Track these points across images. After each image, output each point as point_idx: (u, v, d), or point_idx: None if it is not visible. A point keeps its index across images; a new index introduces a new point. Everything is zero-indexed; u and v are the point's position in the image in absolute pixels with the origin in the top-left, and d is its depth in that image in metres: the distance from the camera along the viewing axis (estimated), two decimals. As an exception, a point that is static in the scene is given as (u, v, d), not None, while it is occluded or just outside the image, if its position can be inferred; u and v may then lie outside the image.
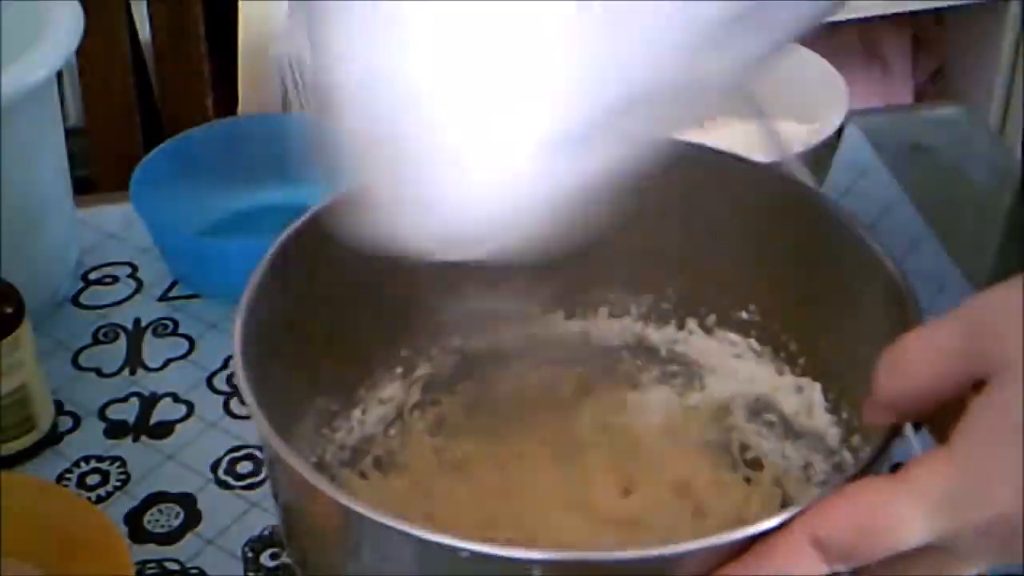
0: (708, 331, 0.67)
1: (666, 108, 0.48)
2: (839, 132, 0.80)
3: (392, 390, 0.66)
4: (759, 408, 0.66)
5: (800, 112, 0.83)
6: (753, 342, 0.66)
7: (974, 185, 0.94)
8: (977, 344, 0.44)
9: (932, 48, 1.89)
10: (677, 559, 0.45)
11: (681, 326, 0.68)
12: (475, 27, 0.46)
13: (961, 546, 0.44)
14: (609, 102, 0.47)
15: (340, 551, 0.52)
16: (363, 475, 0.65)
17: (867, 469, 0.48)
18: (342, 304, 0.63)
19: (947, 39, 1.89)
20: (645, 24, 0.46)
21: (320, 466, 0.63)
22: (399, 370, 0.67)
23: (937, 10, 1.80)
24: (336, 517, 0.50)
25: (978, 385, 0.44)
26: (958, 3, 1.73)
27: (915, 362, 0.46)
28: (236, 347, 0.54)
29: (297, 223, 0.60)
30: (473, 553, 0.45)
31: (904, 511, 0.43)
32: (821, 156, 0.79)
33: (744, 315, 0.66)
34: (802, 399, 0.64)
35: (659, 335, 0.68)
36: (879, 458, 0.48)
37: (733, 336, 0.66)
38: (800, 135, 0.82)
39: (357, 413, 0.65)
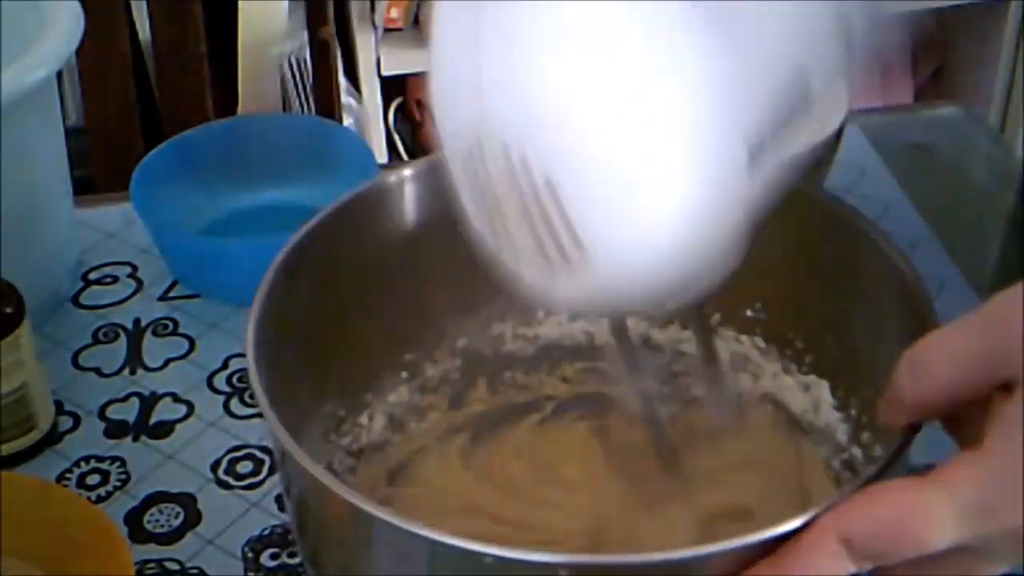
0: (715, 329, 0.67)
1: (804, 119, 0.48)
2: (839, 132, 0.80)
3: (398, 394, 0.66)
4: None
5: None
6: (759, 340, 0.66)
7: (974, 185, 0.94)
8: (999, 346, 0.44)
9: (932, 48, 1.89)
10: (703, 561, 0.45)
11: (686, 326, 0.68)
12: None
13: (990, 548, 0.44)
14: (763, 116, 0.47)
15: (355, 553, 0.52)
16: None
17: (887, 468, 0.48)
18: (349, 308, 0.63)
19: (947, 39, 1.89)
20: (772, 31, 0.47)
21: (328, 470, 0.62)
22: (404, 374, 0.67)
23: (937, 10, 1.80)
24: (354, 522, 0.50)
25: (1003, 385, 0.44)
26: (958, 3, 1.73)
27: (937, 364, 0.46)
28: (249, 352, 0.53)
29: (305, 227, 0.59)
30: (497, 558, 0.45)
31: (936, 513, 0.43)
32: (821, 156, 0.79)
33: (750, 313, 0.66)
34: (809, 397, 0.64)
35: (664, 335, 0.68)
36: (899, 457, 0.48)
37: (739, 335, 0.66)
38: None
39: (364, 418, 0.65)
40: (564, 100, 0.45)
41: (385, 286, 0.64)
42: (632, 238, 0.47)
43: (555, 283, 0.49)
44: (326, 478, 0.48)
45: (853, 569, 0.44)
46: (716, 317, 0.66)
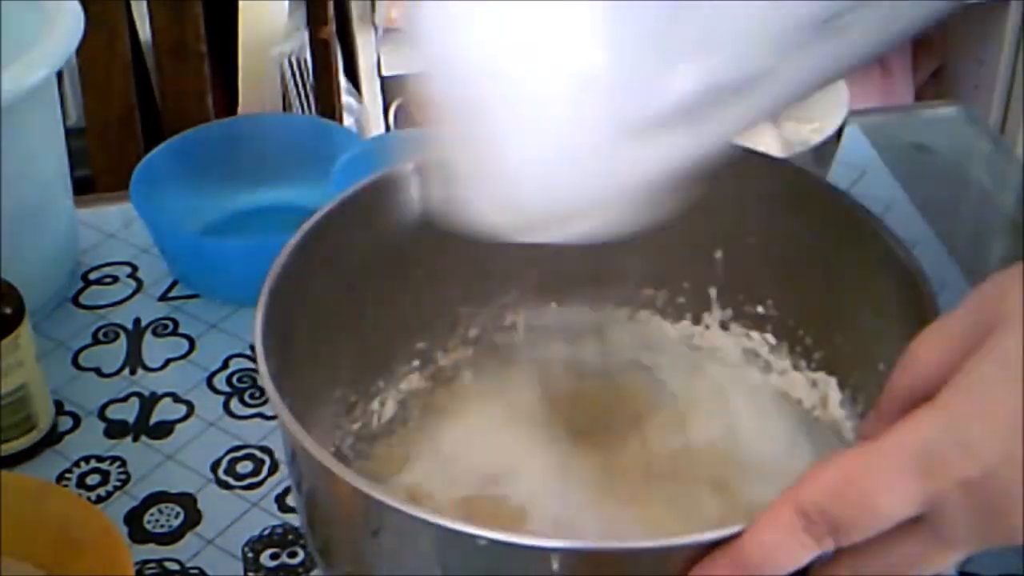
0: (724, 326, 0.67)
1: (748, 104, 0.48)
2: (839, 132, 0.80)
3: (409, 382, 0.67)
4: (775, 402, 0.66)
5: (801, 112, 0.83)
6: (769, 336, 0.66)
7: (974, 185, 0.94)
8: (981, 316, 0.43)
9: (932, 48, 1.89)
10: (693, 548, 0.45)
11: (697, 321, 0.68)
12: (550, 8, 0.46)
13: (946, 516, 0.42)
14: (691, 90, 0.46)
15: (363, 539, 0.52)
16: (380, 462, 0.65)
17: None
18: (361, 296, 0.63)
19: (947, 39, 1.89)
20: (735, 14, 0.46)
21: (337, 455, 0.63)
22: (416, 362, 0.67)
23: (937, 10, 1.80)
24: (361, 507, 0.50)
25: None
26: (958, 3, 1.73)
27: (924, 352, 0.45)
28: (257, 337, 0.54)
29: (317, 215, 0.60)
30: (492, 541, 0.46)
31: (885, 470, 0.41)
32: (821, 156, 0.79)
33: (760, 310, 0.66)
34: (818, 393, 0.64)
35: (676, 330, 0.68)
36: None
37: (749, 331, 0.66)
38: (801, 135, 0.82)
39: (375, 404, 0.66)
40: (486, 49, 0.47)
41: (397, 273, 0.64)
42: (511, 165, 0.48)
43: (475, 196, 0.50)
44: (336, 467, 0.49)
45: (813, 548, 0.43)
46: (728, 313, 0.67)
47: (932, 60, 1.90)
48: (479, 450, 0.66)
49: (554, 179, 0.48)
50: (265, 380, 0.52)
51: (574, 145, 0.47)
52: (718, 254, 0.66)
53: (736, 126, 0.49)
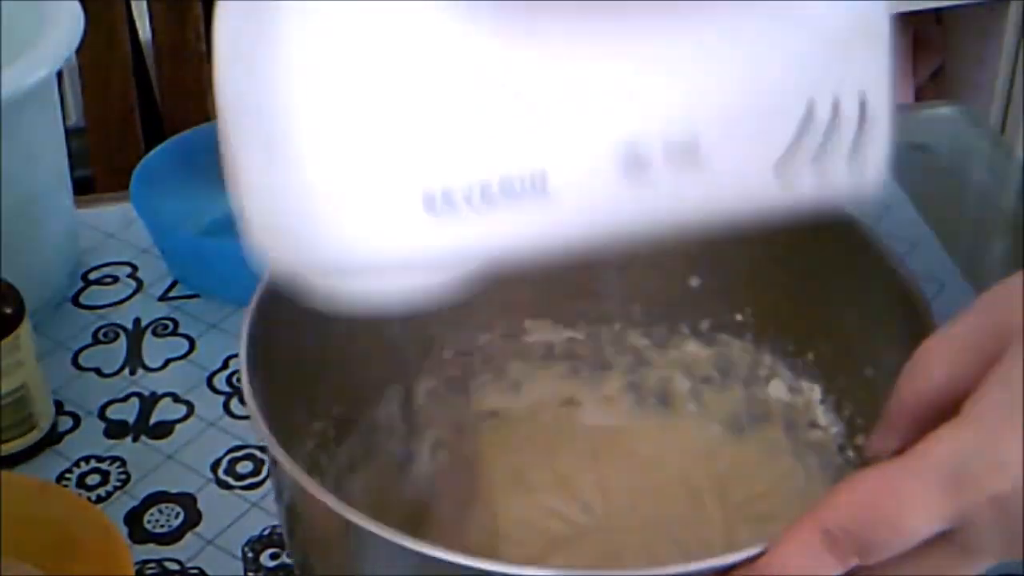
0: (703, 335, 0.67)
1: (537, 218, 0.44)
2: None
3: (387, 409, 0.66)
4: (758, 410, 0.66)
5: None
6: (750, 344, 0.65)
7: (974, 185, 0.94)
8: (994, 325, 0.42)
9: (932, 48, 1.89)
10: (714, 572, 0.44)
11: (674, 329, 0.67)
12: (361, 61, 0.42)
13: (975, 531, 0.41)
14: (481, 176, 0.43)
15: (344, 565, 0.51)
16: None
17: None
18: (337, 327, 0.62)
19: (947, 39, 1.89)
20: (532, 113, 0.43)
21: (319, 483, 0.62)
22: (395, 387, 0.66)
23: (937, 10, 1.80)
24: (342, 533, 0.49)
25: None
26: (958, 3, 1.73)
27: (936, 361, 0.44)
28: (243, 365, 0.53)
29: None
30: (480, 572, 0.45)
31: (914, 488, 0.41)
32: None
33: (739, 317, 0.65)
34: (802, 401, 0.64)
35: (652, 340, 0.68)
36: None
37: (730, 339, 0.66)
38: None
39: (353, 437, 0.64)
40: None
41: None
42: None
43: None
44: (315, 489, 0.48)
45: (837, 567, 0.42)
46: (706, 323, 0.66)
47: (932, 60, 1.90)
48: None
49: (344, 246, 0.45)
50: (250, 404, 0.51)
51: (368, 216, 0.44)
52: (697, 262, 0.65)
53: (524, 241, 0.45)
